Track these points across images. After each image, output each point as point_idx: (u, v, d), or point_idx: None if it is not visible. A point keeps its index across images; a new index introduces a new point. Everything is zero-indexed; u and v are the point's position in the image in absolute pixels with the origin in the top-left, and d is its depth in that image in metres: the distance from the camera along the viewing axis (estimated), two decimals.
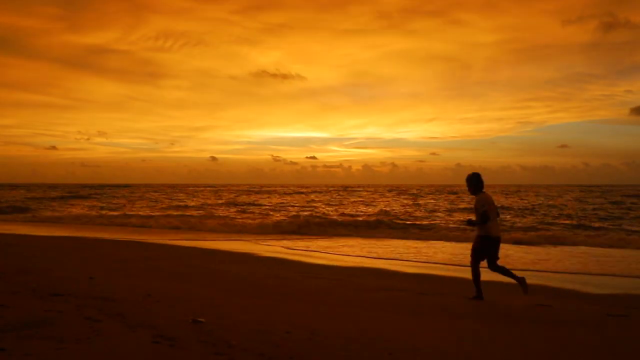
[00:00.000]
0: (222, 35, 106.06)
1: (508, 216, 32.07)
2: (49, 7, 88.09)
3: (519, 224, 27.39)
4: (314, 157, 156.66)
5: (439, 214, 36.31)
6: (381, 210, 39.81)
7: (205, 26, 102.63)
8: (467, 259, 8.11)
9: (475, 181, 7.94)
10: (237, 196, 67.28)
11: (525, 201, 50.20)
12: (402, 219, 31.16)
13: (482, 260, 7.83)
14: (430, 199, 56.67)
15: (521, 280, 7.81)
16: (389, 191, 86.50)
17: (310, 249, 17.04)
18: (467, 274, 8.58)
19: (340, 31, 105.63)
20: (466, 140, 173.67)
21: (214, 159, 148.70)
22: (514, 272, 7.96)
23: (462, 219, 29.86)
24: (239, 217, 33.64)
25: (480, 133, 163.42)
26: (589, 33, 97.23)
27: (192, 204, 50.55)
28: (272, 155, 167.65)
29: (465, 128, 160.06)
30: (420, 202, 51.43)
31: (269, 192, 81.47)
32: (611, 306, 7.54)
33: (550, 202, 47.14)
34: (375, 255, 15.56)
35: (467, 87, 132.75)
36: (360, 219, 30.82)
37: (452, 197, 61.64)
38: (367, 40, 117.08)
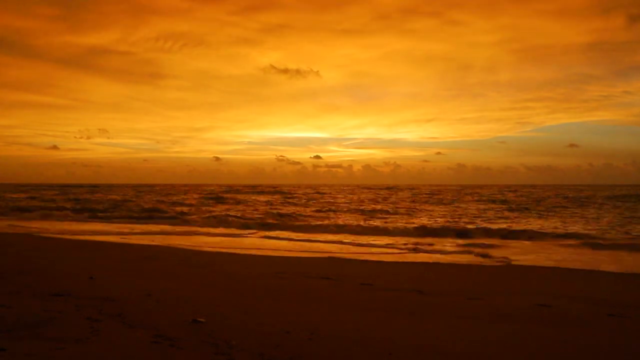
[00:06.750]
0: (222, 36, 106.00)
1: None
2: (49, 7, 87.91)
3: None
4: (318, 157, 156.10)
5: None
6: None
7: (205, 27, 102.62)
8: None
9: None
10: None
11: None
12: None
13: None
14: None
15: None
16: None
17: None
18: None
19: (339, 31, 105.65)
20: (466, 141, 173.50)
21: (217, 159, 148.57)
22: None
23: None
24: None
25: (480, 133, 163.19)
26: (590, 33, 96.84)
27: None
28: (275, 155, 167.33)
29: (464, 128, 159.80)
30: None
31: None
32: (611, 306, 7.53)
33: None
34: None
35: (467, 87, 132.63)
36: None
37: None
38: (367, 40, 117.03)
